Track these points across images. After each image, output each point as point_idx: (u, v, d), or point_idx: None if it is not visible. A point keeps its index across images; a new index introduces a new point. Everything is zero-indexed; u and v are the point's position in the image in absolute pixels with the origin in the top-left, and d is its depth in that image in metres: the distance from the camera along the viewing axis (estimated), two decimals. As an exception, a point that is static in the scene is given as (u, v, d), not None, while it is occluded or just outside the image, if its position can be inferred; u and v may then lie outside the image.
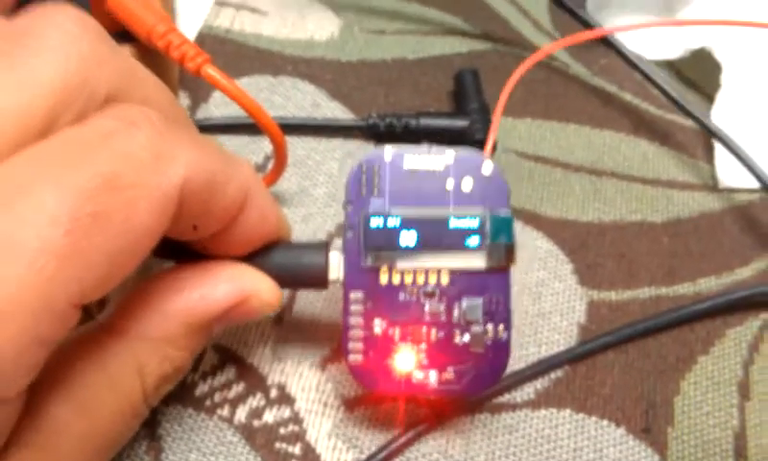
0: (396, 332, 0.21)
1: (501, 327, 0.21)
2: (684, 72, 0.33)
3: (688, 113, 0.30)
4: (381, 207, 0.21)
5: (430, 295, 0.21)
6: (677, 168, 0.30)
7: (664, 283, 0.27)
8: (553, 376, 0.25)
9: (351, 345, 0.21)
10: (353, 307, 0.21)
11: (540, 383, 0.25)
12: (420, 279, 0.21)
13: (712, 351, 0.26)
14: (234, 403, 0.23)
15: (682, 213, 0.29)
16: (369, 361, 0.21)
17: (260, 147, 0.29)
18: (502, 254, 0.21)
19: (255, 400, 0.24)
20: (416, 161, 0.21)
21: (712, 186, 0.30)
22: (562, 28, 0.35)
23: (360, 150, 0.29)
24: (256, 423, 0.23)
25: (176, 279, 0.20)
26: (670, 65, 0.33)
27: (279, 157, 0.26)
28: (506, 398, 0.24)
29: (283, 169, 0.26)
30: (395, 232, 0.21)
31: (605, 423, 0.24)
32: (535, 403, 0.24)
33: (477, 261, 0.21)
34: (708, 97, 0.32)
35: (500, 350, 0.21)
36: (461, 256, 0.21)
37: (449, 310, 0.21)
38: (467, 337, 0.21)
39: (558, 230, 0.28)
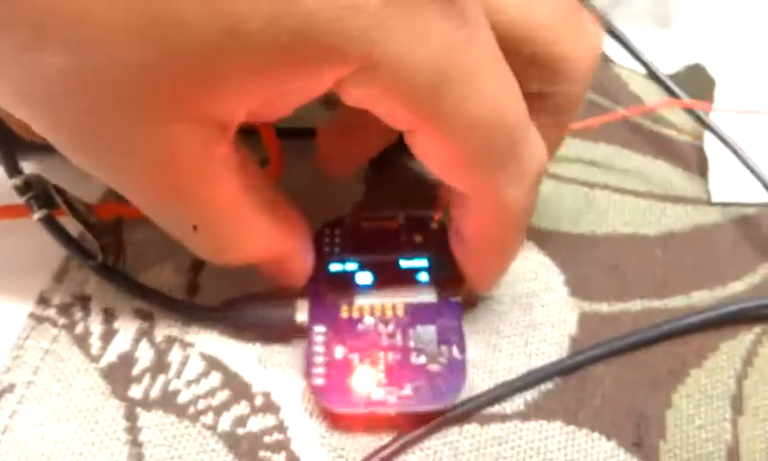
0: (356, 357, 0.23)
1: (455, 348, 0.23)
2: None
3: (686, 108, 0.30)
4: (340, 255, 0.24)
5: (387, 322, 0.23)
6: (670, 182, 0.30)
7: (657, 296, 0.27)
8: (543, 387, 0.24)
9: (314, 369, 0.23)
10: (316, 338, 0.23)
11: (530, 395, 0.24)
12: (377, 313, 0.24)
13: (705, 365, 0.25)
14: (218, 411, 0.23)
15: (675, 226, 0.29)
16: (330, 382, 0.22)
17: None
18: (451, 286, 0.24)
19: (240, 408, 0.23)
20: (372, 223, 0.25)
21: (706, 200, 0.30)
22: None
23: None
24: (240, 431, 0.23)
25: None
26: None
27: (276, 161, 0.26)
28: (495, 409, 0.24)
29: (280, 172, 0.26)
30: (352, 275, 0.24)
31: (596, 435, 0.23)
32: (525, 415, 0.24)
33: (428, 295, 0.24)
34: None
35: (456, 368, 0.23)
36: (413, 292, 0.24)
37: (405, 336, 0.23)
38: (422, 358, 0.23)
39: (549, 242, 0.28)
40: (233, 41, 0.15)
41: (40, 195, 0.22)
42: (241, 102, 0.17)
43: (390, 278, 0.24)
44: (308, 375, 0.23)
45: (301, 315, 0.23)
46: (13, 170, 0.22)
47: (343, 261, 0.24)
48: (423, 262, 0.24)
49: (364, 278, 0.24)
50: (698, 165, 0.31)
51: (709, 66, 0.32)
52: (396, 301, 0.24)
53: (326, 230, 0.25)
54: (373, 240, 0.25)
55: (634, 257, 0.28)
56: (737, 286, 0.27)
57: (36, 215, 0.22)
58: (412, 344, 0.23)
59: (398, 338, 0.23)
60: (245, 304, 0.24)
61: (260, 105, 0.17)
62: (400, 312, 0.23)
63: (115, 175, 0.18)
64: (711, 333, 0.26)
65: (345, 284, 0.24)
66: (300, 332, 0.24)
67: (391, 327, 0.23)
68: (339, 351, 0.23)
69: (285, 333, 0.24)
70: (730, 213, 0.29)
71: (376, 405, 0.22)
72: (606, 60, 0.34)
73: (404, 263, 0.24)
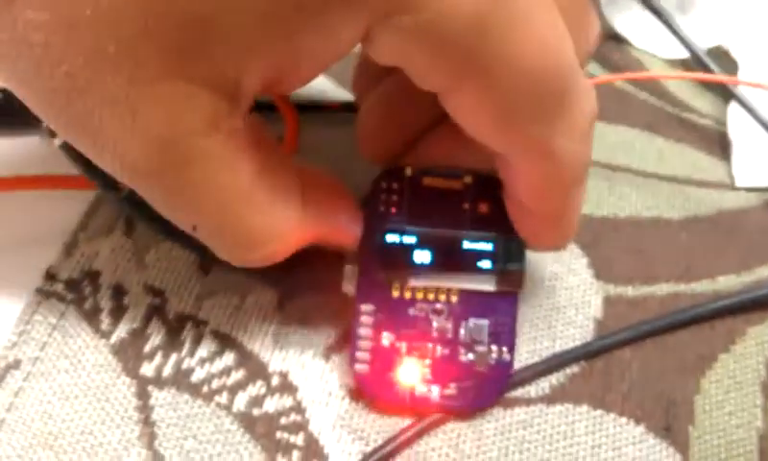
0: (404, 346, 0.22)
1: (505, 348, 0.22)
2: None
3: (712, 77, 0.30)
4: (398, 224, 0.21)
5: (439, 312, 0.22)
6: (693, 166, 0.29)
7: (683, 280, 0.26)
8: (569, 371, 0.24)
9: (359, 355, 0.22)
10: (363, 318, 0.22)
11: (555, 378, 0.23)
12: (431, 297, 0.22)
13: (734, 350, 0.24)
14: (233, 390, 0.22)
15: (699, 210, 0.28)
16: (375, 372, 0.22)
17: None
18: (512, 279, 0.22)
19: (256, 388, 0.22)
20: (435, 180, 0.22)
21: (729, 184, 0.29)
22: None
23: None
24: (256, 411, 0.22)
25: None
26: (685, 64, 0.33)
27: (291, 135, 0.25)
28: (519, 392, 0.23)
29: (294, 149, 0.25)
30: (410, 249, 0.21)
31: (624, 420, 0.23)
32: (550, 399, 0.23)
33: (487, 284, 0.22)
34: (724, 96, 0.31)
35: (502, 370, 0.22)
36: (472, 278, 0.22)
37: (456, 329, 0.22)
38: (471, 356, 0.22)
39: (572, 224, 0.27)
40: None
41: None
42: (249, 61, 0.15)
43: (449, 258, 0.22)
44: (352, 359, 0.22)
45: (349, 284, 0.22)
46: None
47: (401, 233, 0.21)
48: (488, 246, 0.22)
49: (422, 256, 0.22)
50: (720, 149, 0.30)
51: (732, 49, 0.31)
52: (452, 285, 0.22)
53: (383, 183, 0.22)
54: (435, 204, 0.22)
55: (658, 241, 0.27)
56: (764, 271, 0.26)
57: (58, 141, 0.20)
58: (462, 338, 0.22)
59: (449, 330, 0.22)
60: (290, 264, 0.21)
61: (275, 68, 0.16)
62: (455, 299, 0.22)
63: (117, 160, 0.16)
64: (739, 318, 0.25)
65: (400, 260, 0.22)
66: (346, 302, 0.22)
67: (443, 317, 0.22)
68: (386, 338, 0.22)
69: (329, 301, 0.23)
70: (754, 198, 0.29)
71: (418, 401, 0.22)
72: (626, 43, 0.33)
73: (468, 245, 0.22)
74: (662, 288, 0.26)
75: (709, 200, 0.28)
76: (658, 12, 0.30)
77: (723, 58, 0.31)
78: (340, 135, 0.28)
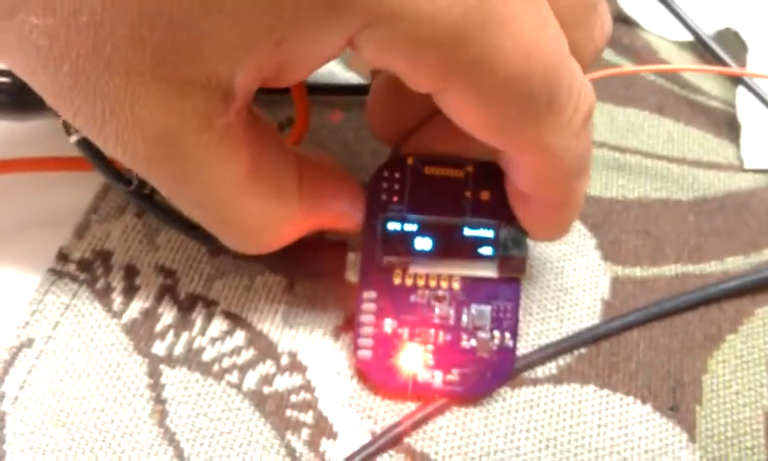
0: (405, 332, 0.22)
1: (508, 335, 0.22)
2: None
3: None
4: (400, 212, 0.22)
5: (440, 299, 0.22)
6: (702, 148, 0.29)
7: (691, 261, 0.26)
8: (576, 351, 0.24)
9: (361, 341, 0.22)
10: (365, 306, 0.22)
11: (562, 359, 0.23)
12: (432, 283, 0.22)
13: (741, 330, 0.25)
14: (243, 369, 0.22)
15: (707, 192, 0.28)
16: (377, 358, 0.22)
17: (273, 115, 0.28)
18: (514, 265, 0.22)
19: (266, 367, 0.23)
20: (436, 169, 0.22)
21: (738, 166, 0.29)
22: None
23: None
24: (266, 389, 0.22)
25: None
26: (694, 46, 0.33)
27: (302, 119, 0.25)
28: (526, 372, 0.23)
29: (305, 131, 0.25)
30: (411, 237, 0.22)
31: (630, 400, 0.23)
32: (557, 379, 0.23)
33: (489, 271, 0.22)
34: (733, 78, 0.31)
35: (505, 356, 0.22)
36: (473, 265, 0.22)
37: (458, 315, 0.22)
38: (473, 342, 0.22)
39: (580, 206, 0.27)
40: None
41: None
42: (238, 62, 0.16)
43: (450, 245, 0.22)
44: (355, 346, 0.22)
45: (352, 272, 0.22)
46: None
47: (402, 221, 0.22)
48: (489, 233, 0.22)
49: (423, 243, 0.22)
50: (729, 131, 0.30)
51: (741, 30, 0.31)
52: (453, 272, 0.22)
53: (385, 173, 0.22)
54: (436, 193, 0.22)
55: (666, 222, 0.27)
56: (773, 253, 0.26)
57: (73, 137, 0.20)
58: (464, 324, 0.22)
59: (451, 316, 0.22)
60: (291, 250, 0.21)
61: (267, 68, 0.16)
62: (457, 285, 0.22)
63: (120, 149, 0.17)
64: (747, 299, 0.25)
65: (401, 247, 0.22)
66: (349, 290, 0.22)
67: (445, 303, 0.22)
68: (388, 325, 0.22)
69: (331, 279, 0.23)
70: (763, 179, 0.29)
71: (421, 387, 0.22)
72: (636, 25, 0.33)
73: (469, 232, 0.22)
74: (671, 269, 0.26)
75: (718, 182, 0.28)
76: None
77: (732, 40, 0.31)
78: (349, 118, 0.28)
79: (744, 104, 0.30)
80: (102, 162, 0.21)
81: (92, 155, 0.21)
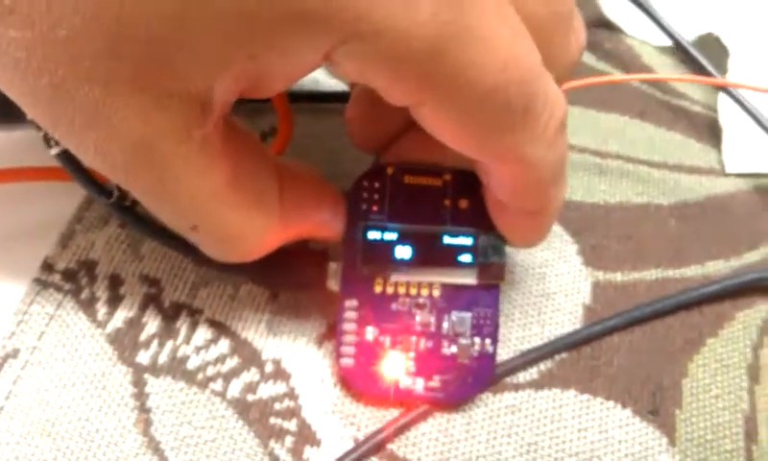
0: (387, 340, 0.22)
1: (488, 341, 0.22)
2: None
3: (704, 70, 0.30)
4: (380, 221, 0.22)
5: (421, 306, 0.22)
6: (684, 152, 0.30)
7: (672, 266, 0.26)
8: (557, 356, 0.24)
9: (344, 349, 0.22)
10: (347, 314, 0.22)
11: (543, 364, 0.24)
12: (413, 291, 0.22)
13: (721, 334, 0.25)
14: (228, 378, 0.23)
15: (689, 197, 0.28)
16: (359, 365, 0.22)
17: (256, 124, 0.28)
18: (493, 271, 0.22)
19: (250, 375, 0.23)
20: (415, 178, 0.22)
21: (720, 171, 0.29)
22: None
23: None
24: (250, 397, 0.22)
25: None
26: (676, 51, 0.33)
27: (285, 129, 0.25)
28: (508, 378, 0.23)
29: (289, 140, 0.25)
30: (391, 246, 0.22)
31: (611, 404, 0.23)
32: (538, 384, 0.23)
33: (469, 277, 0.22)
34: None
35: (486, 362, 0.22)
36: (453, 272, 0.22)
37: (439, 322, 0.22)
38: (454, 348, 0.22)
39: (562, 211, 0.27)
40: (195, 8, 0.14)
41: None
42: (214, 76, 0.16)
43: (430, 253, 0.22)
44: (337, 354, 0.22)
45: (333, 281, 0.22)
46: None
47: (382, 230, 0.22)
48: (468, 241, 0.22)
49: (403, 251, 0.22)
50: (711, 136, 0.30)
51: (723, 36, 0.31)
52: (433, 280, 0.22)
53: (365, 183, 0.22)
54: (415, 201, 0.22)
55: (647, 227, 0.27)
56: (753, 256, 0.27)
57: (54, 150, 0.21)
58: (445, 331, 0.22)
59: (432, 323, 0.22)
60: (273, 261, 0.22)
61: (244, 80, 0.16)
62: (437, 293, 0.22)
63: (98, 159, 0.17)
64: (727, 303, 0.25)
65: (382, 256, 0.22)
66: (331, 300, 0.23)
67: (425, 311, 0.22)
68: (370, 332, 0.22)
69: (312, 289, 0.23)
70: (744, 184, 0.29)
71: (403, 393, 0.22)
72: (618, 30, 0.34)
73: (448, 240, 0.22)
74: (651, 274, 0.26)
75: (699, 186, 0.29)
76: (639, 3, 0.31)
77: (714, 44, 0.31)
78: (333, 125, 0.28)
79: (726, 108, 0.30)
80: (82, 175, 0.21)
81: (72, 167, 0.21)
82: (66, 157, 0.21)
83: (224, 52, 0.15)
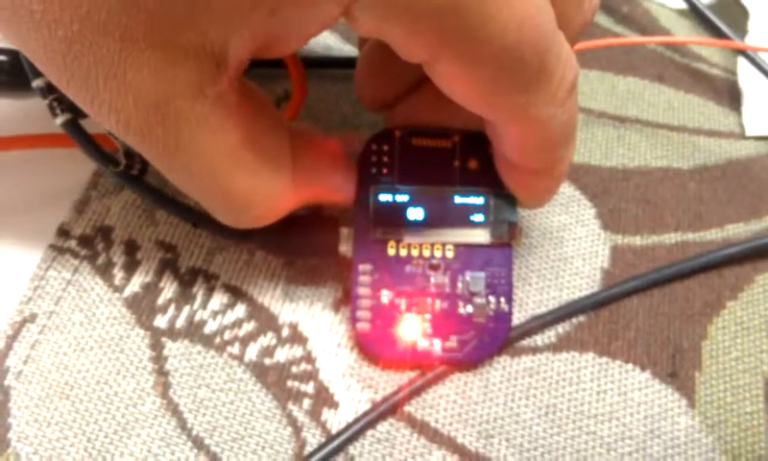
0: (403, 303, 0.22)
1: (503, 299, 0.22)
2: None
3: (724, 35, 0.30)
4: (391, 184, 0.22)
5: (435, 267, 0.22)
6: (703, 116, 0.29)
7: (691, 229, 0.26)
8: (575, 320, 0.24)
9: (359, 313, 0.22)
10: (362, 278, 0.22)
11: (561, 327, 0.24)
12: (426, 253, 0.22)
13: (741, 297, 0.25)
14: (245, 342, 0.23)
15: (708, 160, 0.28)
16: (376, 330, 0.22)
17: (271, 89, 0.28)
18: (505, 230, 0.22)
19: (267, 339, 0.23)
20: (424, 140, 0.22)
21: (739, 134, 0.29)
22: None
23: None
24: (268, 361, 0.22)
25: None
26: (693, 14, 0.32)
27: (298, 92, 0.25)
28: (526, 341, 0.23)
29: (302, 105, 0.25)
30: (403, 207, 0.22)
31: (629, 367, 0.23)
32: (556, 347, 0.23)
33: (481, 237, 0.22)
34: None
35: (502, 320, 0.22)
36: (466, 232, 0.22)
37: (453, 282, 0.22)
38: (470, 308, 0.22)
39: (580, 175, 0.27)
40: None
41: (64, 97, 0.19)
42: (232, 30, 0.16)
43: (442, 214, 0.22)
44: (353, 319, 0.22)
45: (345, 246, 0.22)
46: (36, 70, 0.20)
47: (393, 192, 0.22)
48: (479, 200, 0.22)
49: (415, 213, 0.22)
50: (730, 99, 0.30)
51: (743, -3, 0.31)
52: (446, 240, 0.22)
53: (374, 147, 0.22)
54: (425, 163, 0.22)
55: (667, 191, 0.27)
56: (773, 219, 0.26)
57: (60, 119, 0.20)
58: (460, 291, 0.22)
59: (447, 284, 0.22)
60: (284, 228, 0.22)
61: (261, 36, 0.16)
62: (450, 254, 0.22)
63: (113, 117, 0.17)
64: (747, 266, 0.25)
65: (394, 219, 0.22)
66: (344, 264, 0.23)
67: (440, 272, 0.22)
68: (385, 296, 0.22)
69: (325, 255, 0.23)
70: (764, 147, 0.28)
71: (421, 355, 0.22)
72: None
73: (459, 200, 0.22)
74: (671, 237, 0.26)
75: (719, 149, 0.28)
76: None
77: (733, 6, 0.31)
78: (346, 90, 0.28)
79: (745, 71, 0.29)
80: (88, 143, 0.21)
81: (78, 136, 0.21)
82: (72, 125, 0.21)
83: (244, 5, 0.15)
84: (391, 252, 0.22)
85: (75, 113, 0.21)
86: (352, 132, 0.27)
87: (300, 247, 0.23)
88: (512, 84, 0.17)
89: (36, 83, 0.20)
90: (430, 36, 0.16)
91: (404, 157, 0.22)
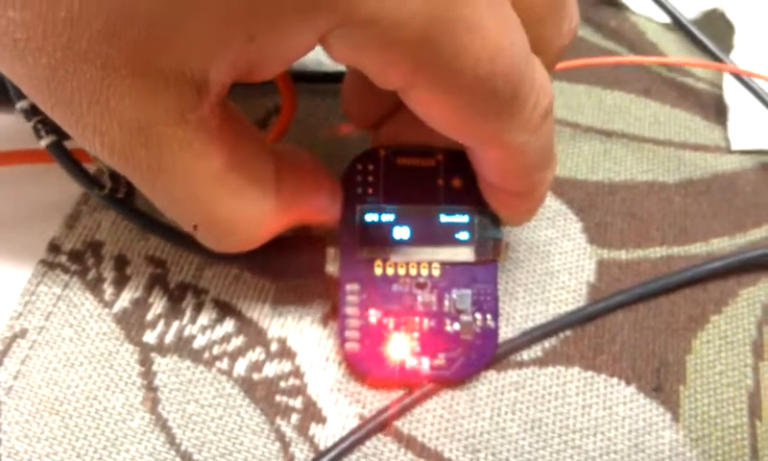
0: (391, 322, 0.22)
1: (489, 316, 0.22)
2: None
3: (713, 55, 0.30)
4: (376, 203, 0.22)
5: (422, 286, 0.22)
6: (689, 130, 0.30)
7: (676, 243, 0.26)
8: (561, 334, 0.24)
9: (348, 333, 0.22)
10: (349, 298, 0.22)
11: (547, 341, 0.24)
12: (413, 271, 0.22)
13: (725, 311, 0.25)
14: (234, 356, 0.23)
15: (694, 174, 0.28)
16: (365, 349, 0.22)
17: (261, 103, 0.28)
18: (490, 247, 0.22)
19: (255, 354, 0.23)
20: (408, 159, 0.22)
21: (725, 148, 0.29)
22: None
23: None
24: (256, 376, 0.22)
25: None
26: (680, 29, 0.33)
27: (288, 106, 0.25)
28: (512, 355, 0.23)
29: (291, 119, 0.25)
30: (389, 227, 0.22)
31: (615, 381, 0.23)
32: (542, 361, 0.23)
33: (466, 254, 0.22)
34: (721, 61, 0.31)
35: (489, 337, 0.22)
36: (451, 250, 0.22)
37: (440, 300, 0.22)
38: (456, 326, 0.22)
39: (566, 189, 0.27)
40: None
41: (48, 119, 0.19)
42: (212, 57, 0.16)
43: (428, 232, 0.22)
44: (342, 339, 0.22)
45: (332, 266, 0.22)
46: (20, 92, 0.21)
47: (379, 211, 0.22)
48: (464, 218, 0.22)
49: (401, 232, 0.22)
50: (716, 113, 0.30)
51: (728, 12, 0.31)
52: (432, 258, 0.22)
53: (359, 166, 0.22)
54: (410, 182, 0.22)
55: (652, 205, 0.27)
56: (757, 233, 0.27)
57: (44, 141, 0.21)
58: (447, 309, 0.22)
59: (434, 302, 0.22)
60: (269, 249, 0.21)
61: (242, 63, 0.16)
62: (437, 272, 0.22)
63: (96, 141, 0.17)
64: (732, 280, 0.25)
65: (380, 238, 0.22)
66: (330, 284, 0.23)
67: (426, 290, 0.22)
68: (374, 315, 0.22)
69: (312, 275, 0.23)
70: (749, 161, 0.29)
71: (409, 374, 0.22)
72: (623, 8, 0.33)
73: (445, 218, 0.22)
74: (656, 251, 0.26)
75: (704, 163, 0.29)
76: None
77: (719, 21, 0.31)
78: (336, 105, 0.29)
79: (731, 86, 0.30)
80: (73, 166, 0.21)
81: (63, 159, 0.21)
82: (57, 147, 0.21)
83: (223, 33, 0.15)
84: (378, 271, 0.22)
85: (59, 136, 0.21)
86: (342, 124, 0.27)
87: (286, 268, 0.23)
88: (485, 111, 0.18)
89: (21, 104, 0.20)
90: (404, 65, 0.17)
91: (389, 176, 0.22)
